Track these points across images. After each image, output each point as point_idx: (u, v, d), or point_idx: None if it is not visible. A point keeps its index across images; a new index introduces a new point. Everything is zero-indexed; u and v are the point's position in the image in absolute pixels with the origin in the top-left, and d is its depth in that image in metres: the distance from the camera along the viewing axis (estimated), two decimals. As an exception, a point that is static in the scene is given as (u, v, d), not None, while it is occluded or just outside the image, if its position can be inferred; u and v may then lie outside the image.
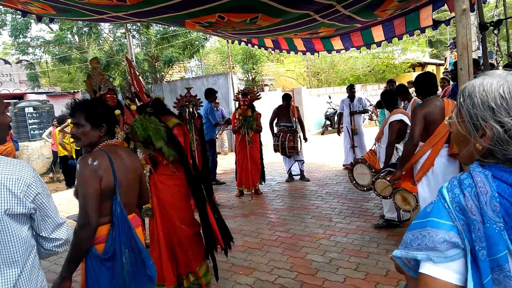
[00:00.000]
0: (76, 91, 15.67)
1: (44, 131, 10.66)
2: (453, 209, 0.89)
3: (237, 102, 6.42)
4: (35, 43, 15.61)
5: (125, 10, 4.22)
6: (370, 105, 15.38)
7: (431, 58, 22.00)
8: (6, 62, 16.14)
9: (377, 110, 9.72)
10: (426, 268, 0.89)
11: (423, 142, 3.21)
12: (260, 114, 6.30)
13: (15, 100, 12.94)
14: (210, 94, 7.36)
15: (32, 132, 11.74)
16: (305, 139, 7.00)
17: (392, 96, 4.43)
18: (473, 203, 0.86)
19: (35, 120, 12.01)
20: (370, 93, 16.96)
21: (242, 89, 6.45)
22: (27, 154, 10.81)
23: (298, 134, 6.71)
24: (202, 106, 5.82)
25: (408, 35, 7.11)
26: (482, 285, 0.83)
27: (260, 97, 6.47)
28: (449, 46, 14.88)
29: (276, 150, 6.84)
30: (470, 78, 1.75)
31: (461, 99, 0.97)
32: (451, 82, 6.97)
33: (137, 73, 3.28)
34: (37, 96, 14.76)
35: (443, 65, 15.76)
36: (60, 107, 13.17)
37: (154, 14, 4.60)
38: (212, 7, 4.20)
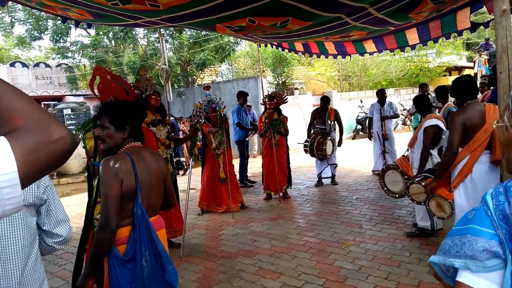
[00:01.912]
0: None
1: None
2: (496, 217, 0.84)
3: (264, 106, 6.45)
4: (74, 47, 16.28)
5: (158, 15, 4.32)
6: (403, 110, 15.01)
7: (468, 61, 21.18)
8: (47, 65, 16.91)
9: (411, 115, 9.47)
10: (463, 277, 0.85)
11: (461, 148, 3.08)
12: (286, 117, 6.28)
13: (54, 102, 13.52)
14: (240, 96, 7.45)
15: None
16: (339, 144, 6.92)
17: (425, 101, 4.29)
18: None
19: (73, 121, 12.50)
20: (404, 98, 16.54)
21: (269, 92, 6.45)
22: (64, 154, 11.22)
23: (330, 138, 6.62)
24: (225, 106, 5.91)
25: (444, 38, 6.89)
26: None
27: (287, 101, 6.45)
28: (478, 48, 14.30)
29: (305, 151, 6.81)
30: (511, 81, 1.67)
31: None
32: (491, 87, 6.68)
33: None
34: (75, 98, 15.36)
35: (472, 68, 15.16)
36: (96, 109, 13.62)
37: (186, 19, 4.69)
38: (242, 11, 4.24)
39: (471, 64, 21.37)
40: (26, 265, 1.45)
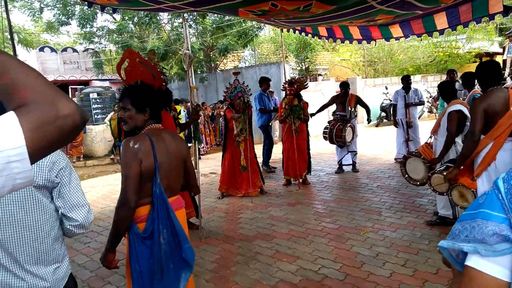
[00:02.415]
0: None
1: (107, 116, 11.35)
2: (507, 201, 0.83)
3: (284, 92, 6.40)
4: (100, 32, 16.56)
5: (181, 0, 4.33)
6: (430, 97, 14.60)
7: (500, 47, 20.29)
8: (74, 50, 17.30)
9: (437, 102, 9.20)
10: (472, 261, 0.84)
11: (484, 135, 2.99)
12: (307, 103, 6.22)
13: (81, 86, 13.86)
14: (262, 82, 7.42)
15: (95, 116, 12.54)
16: (369, 120, 6.95)
17: (451, 87, 4.17)
18: None
19: (99, 105, 12.81)
20: (431, 84, 16.05)
21: (289, 78, 6.39)
22: (90, 136, 11.56)
23: (350, 124, 6.54)
24: (251, 94, 5.89)
25: (475, 23, 6.62)
26: None
27: (307, 87, 6.37)
28: (509, 33, 13.62)
29: (325, 138, 6.77)
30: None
31: None
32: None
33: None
34: (101, 83, 15.70)
35: (502, 54, 14.50)
36: (121, 94, 13.89)
37: (208, 3, 4.69)
38: (265, -6, 4.20)
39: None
40: (42, 244, 1.50)
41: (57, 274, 1.56)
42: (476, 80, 3.81)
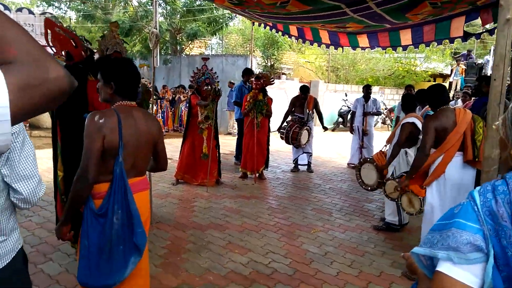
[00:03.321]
0: (95, 50, 15.66)
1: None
2: (482, 213, 0.88)
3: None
4: (62, -3, 15.61)
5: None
6: (385, 109, 15.27)
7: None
8: (30, 12, 16.12)
9: (392, 114, 9.63)
10: (444, 267, 0.89)
11: (435, 149, 3.22)
12: (271, 99, 6.27)
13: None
14: (245, 74, 7.24)
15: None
16: (325, 128, 7.03)
17: (412, 100, 4.41)
18: (505, 210, 0.86)
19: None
20: (387, 97, 16.81)
21: (257, 73, 6.40)
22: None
23: (307, 127, 6.66)
24: (218, 81, 5.82)
25: (436, 43, 7.00)
26: None
27: (273, 83, 6.42)
28: (458, 57, 14.62)
29: (282, 138, 6.86)
30: (503, 90, 1.73)
31: (510, 105, 0.96)
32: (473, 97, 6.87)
33: (59, 32, 3.12)
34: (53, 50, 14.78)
35: (449, 76, 15.50)
36: (77, 65, 13.19)
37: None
38: (244, -16, 4.16)
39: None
40: None
41: (1, 249, 1.43)
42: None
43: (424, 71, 18.46)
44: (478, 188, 0.95)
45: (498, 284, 0.84)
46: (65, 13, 16.86)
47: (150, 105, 4.63)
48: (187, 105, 5.64)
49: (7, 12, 15.20)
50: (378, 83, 18.20)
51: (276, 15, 6.17)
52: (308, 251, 3.69)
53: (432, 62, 18.70)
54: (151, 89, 4.63)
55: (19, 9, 15.76)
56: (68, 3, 15.70)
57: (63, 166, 3.11)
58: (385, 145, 4.54)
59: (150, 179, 4.29)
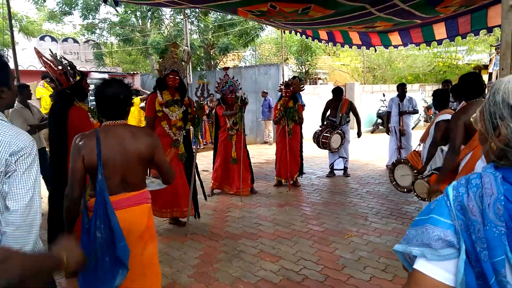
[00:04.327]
0: (135, 72, 16.43)
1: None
2: (454, 207, 0.87)
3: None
4: (103, 24, 16.56)
5: (180, -4, 4.36)
6: (427, 107, 14.66)
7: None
8: (75, 41, 17.25)
9: (430, 111, 9.22)
10: (418, 264, 0.88)
11: (464, 145, 3.03)
12: (302, 106, 6.25)
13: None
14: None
15: (92, 107, 12.51)
16: (359, 134, 6.86)
17: (444, 96, 4.19)
18: (476, 203, 0.83)
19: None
20: (429, 94, 16.13)
21: (286, 80, 6.40)
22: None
23: (338, 131, 6.53)
24: (241, 88, 5.92)
25: (473, 34, 6.68)
26: (488, 287, 0.80)
27: (303, 89, 6.38)
28: (497, 45, 13.68)
29: (314, 141, 6.78)
30: (512, 78, 1.63)
31: (487, 96, 0.93)
32: None
33: (49, 60, 3.52)
34: (99, 75, 15.67)
35: (486, 68, 14.53)
36: (119, 87, 13.88)
37: (208, 1, 4.71)
38: (263, -5, 4.22)
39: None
40: None
41: None
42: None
43: (467, 64, 17.56)
44: (454, 182, 0.92)
45: (470, 280, 0.81)
46: (107, 39, 17.86)
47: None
48: (212, 116, 5.77)
49: (54, 42, 16.36)
50: (418, 80, 17.55)
51: (301, 21, 6.18)
52: (341, 256, 3.62)
53: (476, 54, 17.73)
54: (204, 105, 4.83)
55: (65, 39, 16.92)
56: (109, 29, 16.64)
57: (49, 185, 3.43)
58: (419, 144, 4.38)
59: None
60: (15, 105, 5.24)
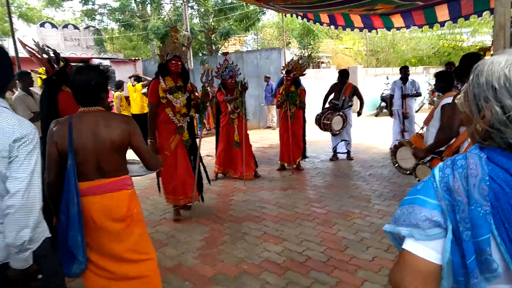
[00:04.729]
0: (136, 58, 16.36)
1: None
2: (440, 188, 0.88)
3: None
4: (102, 10, 16.42)
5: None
6: (431, 89, 14.55)
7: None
8: (75, 27, 17.16)
9: (434, 95, 9.16)
10: (407, 244, 0.90)
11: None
12: (304, 90, 6.20)
13: (81, 64, 13.80)
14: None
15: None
16: (358, 113, 6.86)
17: (448, 78, 4.13)
18: (461, 184, 0.85)
19: (98, 84, 12.77)
20: (433, 77, 16.00)
21: (287, 63, 6.33)
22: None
23: (340, 113, 6.52)
24: (240, 73, 5.88)
25: (476, 16, 6.59)
26: (465, 266, 0.83)
27: (305, 74, 6.33)
28: None
29: (316, 123, 6.77)
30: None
31: (470, 77, 0.94)
32: None
33: (33, 49, 3.57)
34: (101, 61, 15.62)
35: (489, 50, 14.30)
36: (121, 73, 13.87)
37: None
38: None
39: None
40: None
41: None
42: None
43: (472, 45, 17.34)
44: (440, 163, 0.93)
45: (456, 259, 0.84)
46: (107, 25, 17.74)
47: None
48: (213, 102, 5.78)
49: (54, 29, 16.27)
50: (422, 63, 17.40)
51: (301, 5, 6.11)
52: (344, 238, 3.68)
53: (481, 35, 17.47)
54: (209, 91, 4.80)
55: (65, 26, 16.82)
56: (109, 15, 16.50)
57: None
58: (422, 127, 4.35)
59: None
60: (17, 92, 5.29)
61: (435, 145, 3.18)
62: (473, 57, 3.11)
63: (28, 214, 1.52)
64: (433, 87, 13.30)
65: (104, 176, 2.14)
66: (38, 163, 1.60)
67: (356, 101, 7.04)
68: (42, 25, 16.28)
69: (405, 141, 4.35)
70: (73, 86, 2.14)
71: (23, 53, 4.38)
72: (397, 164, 4.37)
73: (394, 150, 4.37)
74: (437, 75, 4.24)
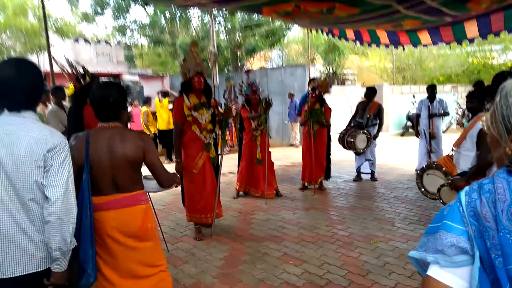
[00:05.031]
0: (164, 74, 16.76)
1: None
2: (467, 213, 0.86)
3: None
4: (133, 26, 16.99)
5: (206, -3, 4.40)
6: (459, 109, 14.15)
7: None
8: (107, 42, 17.81)
9: (465, 114, 8.84)
10: (432, 271, 0.88)
11: None
12: (330, 109, 6.13)
13: (111, 80, 14.28)
14: (309, 83, 6.98)
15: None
16: (375, 137, 6.73)
17: (480, 98, 3.94)
18: (489, 209, 0.82)
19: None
20: (461, 95, 15.59)
21: (312, 79, 6.30)
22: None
23: (364, 132, 6.42)
24: (263, 91, 5.93)
25: (506, 32, 6.42)
26: None
27: (330, 92, 6.27)
28: None
29: (339, 142, 6.68)
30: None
31: (497, 98, 0.91)
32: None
33: (64, 68, 3.78)
34: (131, 77, 16.10)
35: None
36: (149, 88, 14.23)
37: (233, 1, 4.75)
38: (288, -5, 4.21)
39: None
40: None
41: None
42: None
43: (503, 63, 16.84)
44: (466, 188, 0.90)
45: (484, 287, 0.79)
46: (137, 41, 18.33)
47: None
48: (236, 119, 5.82)
49: (87, 44, 16.94)
50: (450, 81, 17.00)
51: (327, 21, 6.12)
52: (366, 262, 3.58)
53: (512, 52, 17.00)
54: (233, 107, 4.82)
55: (98, 41, 17.48)
56: (139, 30, 17.05)
57: None
58: (452, 149, 4.17)
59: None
60: (51, 106, 5.50)
61: (476, 171, 3.03)
62: (504, 76, 2.98)
63: (68, 219, 1.64)
64: (462, 108, 12.92)
65: (119, 191, 2.18)
66: (71, 171, 1.71)
67: (385, 120, 6.90)
68: (76, 40, 16.98)
69: (434, 164, 4.18)
70: (92, 102, 2.21)
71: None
72: (423, 189, 4.19)
73: (421, 173, 4.19)
74: (468, 97, 4.06)
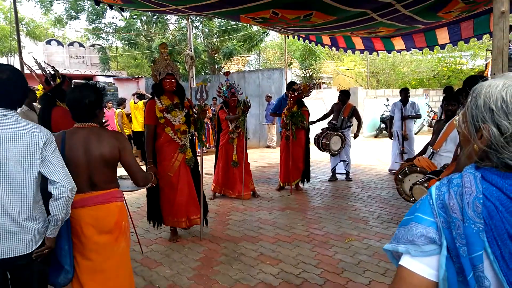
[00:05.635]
0: (140, 76, 16.55)
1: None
2: (436, 206, 0.91)
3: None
4: (108, 29, 16.71)
5: (184, 4, 4.40)
6: (431, 112, 14.63)
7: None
8: (81, 45, 17.46)
9: (434, 117, 9.17)
10: (404, 260, 0.93)
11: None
12: (308, 111, 6.21)
13: (84, 81, 13.98)
14: (288, 86, 6.84)
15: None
16: (355, 136, 6.88)
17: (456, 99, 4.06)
18: (456, 201, 0.88)
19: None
20: (433, 99, 16.10)
21: (292, 82, 6.39)
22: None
23: (338, 134, 6.54)
24: (242, 93, 5.94)
25: (476, 39, 6.70)
26: (466, 282, 0.84)
27: (309, 95, 6.36)
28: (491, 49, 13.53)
29: (314, 144, 6.77)
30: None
31: (469, 99, 0.97)
32: None
33: (32, 70, 3.80)
34: (104, 79, 15.80)
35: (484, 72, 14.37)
36: (124, 91, 14.02)
37: (211, 8, 4.75)
38: (266, 3, 4.24)
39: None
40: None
41: (39, 230, 1.91)
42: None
43: (471, 69, 17.51)
44: (437, 182, 0.96)
45: (452, 276, 0.85)
46: (112, 44, 18.02)
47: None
48: (213, 121, 5.81)
49: (60, 46, 16.54)
50: (422, 85, 17.53)
51: (304, 27, 6.22)
52: (341, 260, 3.64)
53: (481, 58, 17.67)
54: (209, 108, 4.80)
55: (71, 43, 17.10)
56: (115, 33, 16.79)
57: None
58: (432, 152, 4.21)
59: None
60: (21, 107, 5.35)
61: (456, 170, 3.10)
62: (475, 80, 3.14)
63: (72, 195, 1.93)
64: (435, 110, 13.34)
65: (95, 189, 2.22)
66: (61, 156, 1.95)
67: (354, 122, 7.08)
68: (48, 42, 16.56)
69: (418, 168, 4.11)
70: (68, 103, 2.24)
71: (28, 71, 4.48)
72: (404, 194, 4.13)
73: (402, 177, 4.13)
74: (451, 99, 4.13)
